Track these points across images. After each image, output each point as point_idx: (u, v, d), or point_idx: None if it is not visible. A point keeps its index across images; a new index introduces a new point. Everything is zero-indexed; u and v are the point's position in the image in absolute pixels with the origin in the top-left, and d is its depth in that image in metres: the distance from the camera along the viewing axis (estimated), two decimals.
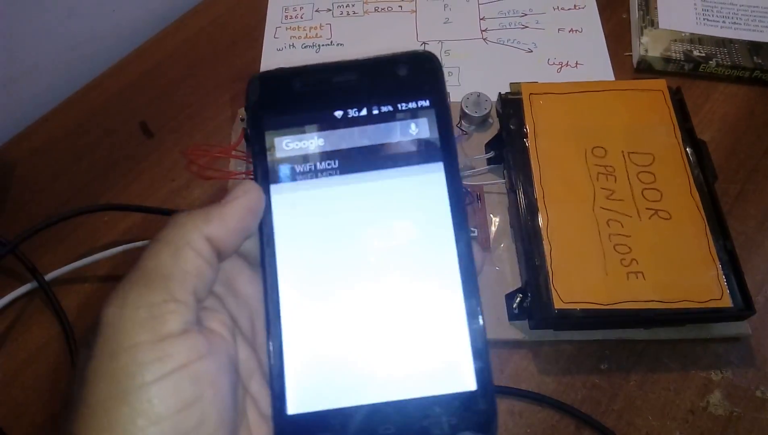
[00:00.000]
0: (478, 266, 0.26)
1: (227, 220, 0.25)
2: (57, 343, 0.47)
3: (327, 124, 0.27)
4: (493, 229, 0.50)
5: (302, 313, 0.25)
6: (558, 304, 0.42)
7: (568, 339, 0.45)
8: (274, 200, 0.26)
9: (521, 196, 0.46)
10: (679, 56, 0.59)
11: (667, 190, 0.46)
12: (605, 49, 0.62)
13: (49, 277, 0.48)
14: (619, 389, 0.44)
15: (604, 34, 0.63)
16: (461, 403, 0.25)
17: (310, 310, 0.26)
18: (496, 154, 0.51)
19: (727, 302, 0.42)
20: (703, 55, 0.59)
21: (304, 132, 0.27)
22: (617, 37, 0.63)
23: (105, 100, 0.61)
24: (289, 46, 0.64)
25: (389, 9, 0.66)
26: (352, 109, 0.27)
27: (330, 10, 0.66)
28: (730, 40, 0.60)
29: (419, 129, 0.27)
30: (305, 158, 0.27)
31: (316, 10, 0.66)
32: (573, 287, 0.42)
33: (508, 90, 0.52)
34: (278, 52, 0.63)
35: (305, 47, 0.64)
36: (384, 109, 0.27)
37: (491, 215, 0.50)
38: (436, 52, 0.62)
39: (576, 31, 0.63)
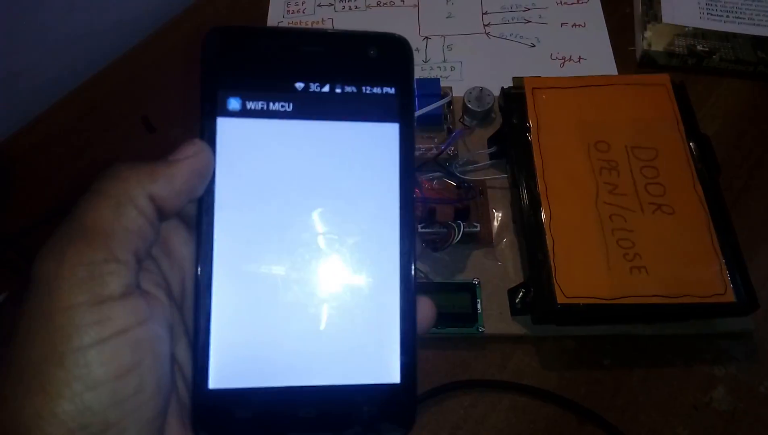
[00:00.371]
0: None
1: (174, 181, 0.23)
2: None
3: (284, 89, 0.26)
4: (496, 224, 0.49)
5: (234, 284, 0.25)
6: (561, 299, 0.42)
7: (570, 334, 0.45)
8: (218, 162, 0.25)
9: (524, 190, 0.46)
10: (682, 51, 0.59)
11: (670, 184, 0.46)
12: (608, 43, 0.62)
13: None
14: (622, 385, 0.44)
15: (608, 28, 0.63)
16: (383, 394, 0.25)
17: (242, 283, 0.25)
18: (498, 149, 0.51)
19: (730, 297, 0.42)
20: (707, 49, 0.59)
21: (259, 94, 0.26)
22: (620, 31, 0.62)
23: (107, 95, 0.61)
24: None
25: (391, 3, 0.65)
26: (311, 78, 0.26)
27: (332, 4, 0.66)
28: (734, 35, 0.59)
29: (378, 108, 0.26)
30: (258, 121, 0.26)
31: (318, 5, 0.66)
32: (576, 282, 0.42)
33: (511, 84, 0.52)
34: None
35: None
36: (346, 84, 0.26)
37: (494, 210, 0.50)
38: (439, 47, 0.62)
39: (579, 25, 0.63)
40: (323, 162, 0.26)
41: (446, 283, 0.46)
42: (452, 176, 0.50)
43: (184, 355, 0.25)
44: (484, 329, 0.44)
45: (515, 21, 0.64)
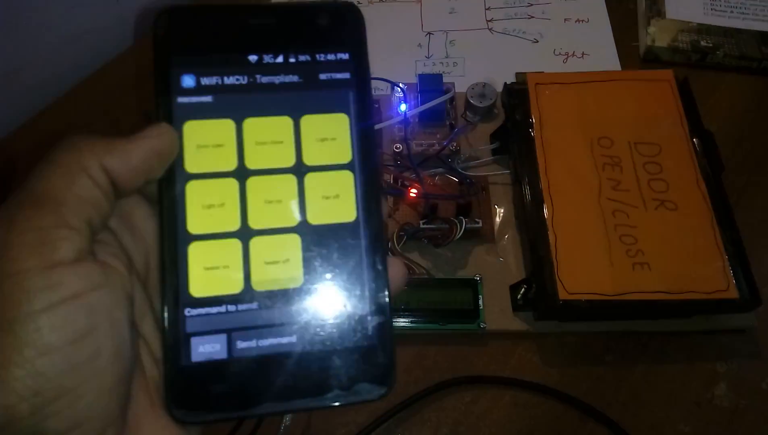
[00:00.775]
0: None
1: (130, 157, 0.23)
2: None
3: (238, 65, 0.26)
4: (498, 220, 0.49)
5: (200, 254, 0.25)
6: (563, 295, 0.42)
7: (572, 330, 0.45)
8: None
9: (526, 186, 0.46)
10: (686, 46, 0.58)
11: (673, 180, 0.46)
12: (612, 39, 0.61)
13: None
14: (624, 381, 0.44)
15: (611, 24, 0.62)
16: (360, 356, 0.25)
17: (209, 252, 0.25)
18: (501, 145, 0.51)
19: (733, 294, 0.42)
20: (711, 45, 0.58)
21: (212, 71, 0.26)
22: (624, 27, 0.62)
23: (109, 91, 0.61)
24: None
25: None
26: (265, 53, 0.26)
27: None
28: (738, 31, 0.59)
29: (333, 78, 0.27)
30: (214, 97, 0.26)
31: None
32: (578, 278, 0.42)
33: (514, 80, 0.52)
34: None
35: None
36: (300, 56, 0.27)
37: (496, 206, 0.50)
38: (442, 43, 0.62)
39: (582, 21, 0.63)
40: (279, 145, 0.26)
41: (448, 279, 0.46)
42: (454, 172, 0.50)
43: (150, 331, 0.25)
44: (485, 325, 0.44)
45: (518, 16, 0.63)
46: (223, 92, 0.26)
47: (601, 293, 0.42)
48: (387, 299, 0.25)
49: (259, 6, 0.27)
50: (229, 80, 0.26)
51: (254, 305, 0.25)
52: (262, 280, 0.25)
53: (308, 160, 0.26)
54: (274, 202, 0.26)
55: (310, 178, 0.26)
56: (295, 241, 0.26)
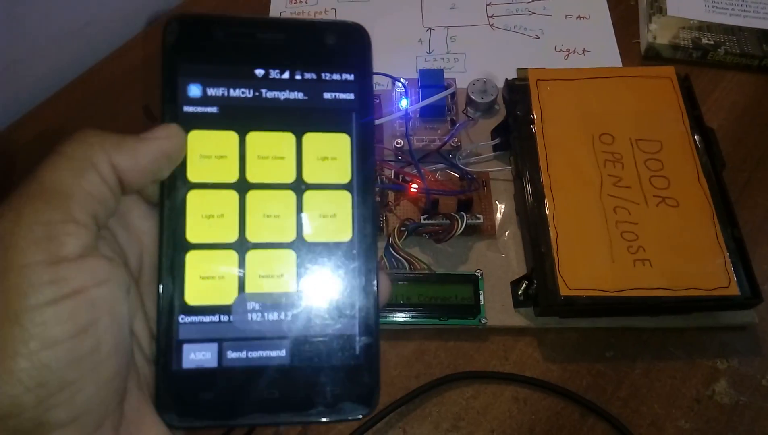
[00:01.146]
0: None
1: (139, 156, 0.23)
2: None
3: (244, 77, 0.26)
4: (499, 216, 0.49)
5: (197, 263, 0.25)
6: (564, 291, 0.42)
7: (573, 326, 0.45)
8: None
9: (527, 182, 0.46)
10: (687, 44, 0.58)
11: (674, 177, 0.46)
12: (613, 36, 0.61)
13: None
14: (625, 377, 0.44)
15: (612, 20, 0.62)
16: (346, 374, 0.25)
17: (206, 261, 0.25)
18: (502, 141, 0.51)
19: (734, 290, 0.42)
20: (712, 42, 0.58)
21: (219, 82, 0.26)
22: (625, 24, 0.62)
23: (109, 83, 0.60)
24: None
25: None
26: (272, 67, 0.26)
27: None
28: (739, 28, 0.59)
29: (337, 98, 0.27)
30: (220, 108, 0.26)
31: None
32: (579, 274, 0.42)
33: (515, 76, 0.52)
34: None
35: None
36: (306, 73, 0.27)
37: (497, 202, 0.50)
38: (443, 39, 0.61)
39: (583, 17, 0.63)
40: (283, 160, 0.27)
41: (449, 275, 0.46)
42: (455, 168, 0.50)
43: (141, 328, 0.25)
44: (486, 321, 0.44)
45: (519, 12, 0.63)
46: (228, 104, 0.26)
47: (602, 289, 0.42)
48: (376, 321, 0.26)
49: (269, 20, 0.27)
50: (235, 92, 0.26)
51: (246, 317, 0.25)
52: (255, 293, 0.25)
53: (308, 177, 0.26)
54: (273, 217, 0.26)
55: (308, 196, 0.26)
56: (290, 256, 0.26)
